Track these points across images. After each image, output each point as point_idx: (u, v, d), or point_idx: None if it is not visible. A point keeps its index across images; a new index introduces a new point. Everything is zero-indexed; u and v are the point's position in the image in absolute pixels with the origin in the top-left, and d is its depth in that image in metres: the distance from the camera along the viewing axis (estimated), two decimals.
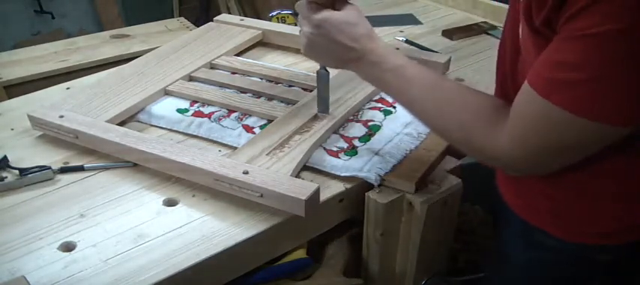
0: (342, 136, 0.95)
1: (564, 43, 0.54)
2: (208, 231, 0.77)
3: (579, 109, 0.55)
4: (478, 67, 1.25)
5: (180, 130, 0.99)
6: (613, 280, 0.76)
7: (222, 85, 1.10)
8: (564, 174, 0.68)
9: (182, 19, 2.16)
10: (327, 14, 0.74)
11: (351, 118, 0.99)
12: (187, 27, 2.03)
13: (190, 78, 1.13)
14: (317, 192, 0.78)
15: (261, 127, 0.97)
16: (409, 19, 1.52)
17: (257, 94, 1.07)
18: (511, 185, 0.79)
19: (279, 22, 1.43)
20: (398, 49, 1.25)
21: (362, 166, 0.86)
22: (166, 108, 1.03)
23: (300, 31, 0.78)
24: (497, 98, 0.75)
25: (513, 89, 0.65)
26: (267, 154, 0.86)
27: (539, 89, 0.57)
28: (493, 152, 0.66)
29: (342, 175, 0.86)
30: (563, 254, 0.74)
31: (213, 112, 1.01)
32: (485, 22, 1.48)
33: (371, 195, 0.83)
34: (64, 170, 0.89)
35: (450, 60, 1.17)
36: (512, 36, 0.70)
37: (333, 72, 0.91)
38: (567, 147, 0.60)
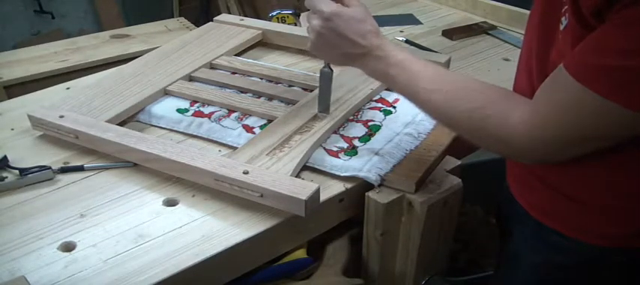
0: (342, 136, 0.95)
1: (615, 30, 0.53)
2: (208, 231, 0.77)
3: (620, 96, 0.54)
4: (478, 67, 1.25)
5: (181, 130, 0.99)
6: (627, 283, 0.75)
7: (222, 85, 1.10)
8: (583, 173, 0.67)
9: (182, 19, 2.16)
10: (338, 9, 0.75)
11: (351, 118, 0.99)
12: (187, 27, 2.04)
13: (190, 78, 1.12)
14: (317, 192, 0.78)
15: (261, 127, 0.97)
16: (409, 19, 1.52)
17: (257, 94, 1.07)
18: (525, 185, 0.79)
19: (279, 22, 1.43)
20: None
21: (362, 166, 0.86)
22: (166, 108, 1.03)
23: (307, 27, 0.79)
24: (506, 88, 0.75)
25: (539, 83, 0.64)
26: (267, 154, 0.86)
27: (577, 75, 0.56)
28: (509, 136, 0.65)
29: (342, 175, 0.86)
30: (578, 256, 0.73)
31: (213, 112, 1.01)
32: (485, 22, 1.48)
33: (371, 195, 0.83)
34: (64, 170, 0.89)
35: (450, 60, 1.17)
36: (539, 30, 0.70)
37: (334, 71, 0.91)
38: (593, 136, 0.60)
